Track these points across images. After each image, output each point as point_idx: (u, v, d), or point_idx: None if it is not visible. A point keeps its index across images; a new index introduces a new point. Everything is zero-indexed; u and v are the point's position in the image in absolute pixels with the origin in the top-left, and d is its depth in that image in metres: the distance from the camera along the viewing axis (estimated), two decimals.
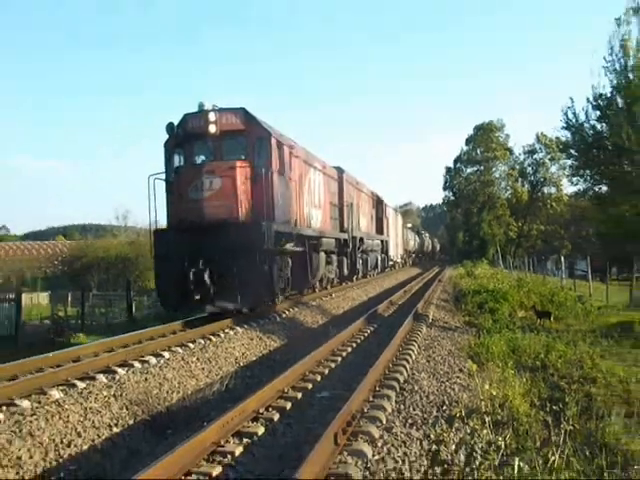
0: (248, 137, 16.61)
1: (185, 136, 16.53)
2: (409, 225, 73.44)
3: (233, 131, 16.55)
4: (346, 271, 27.72)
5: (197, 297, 14.93)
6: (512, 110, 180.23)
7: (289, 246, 17.78)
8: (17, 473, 6.01)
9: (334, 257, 25.17)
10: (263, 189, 15.81)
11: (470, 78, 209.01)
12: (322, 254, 22.18)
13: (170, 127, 16.56)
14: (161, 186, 16.84)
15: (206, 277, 14.73)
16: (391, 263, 47.14)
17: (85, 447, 6.88)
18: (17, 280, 47.74)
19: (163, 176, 16.95)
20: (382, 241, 39.35)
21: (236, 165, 15.98)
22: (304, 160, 20.60)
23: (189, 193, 15.55)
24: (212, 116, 16.13)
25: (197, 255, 14.94)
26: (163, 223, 18.00)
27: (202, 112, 16.27)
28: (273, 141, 16.83)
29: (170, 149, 17.19)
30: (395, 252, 48.45)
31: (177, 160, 17.14)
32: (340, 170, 27.59)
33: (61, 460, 6.49)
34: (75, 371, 9.20)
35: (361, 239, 30.29)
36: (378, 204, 39.04)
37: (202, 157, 17.10)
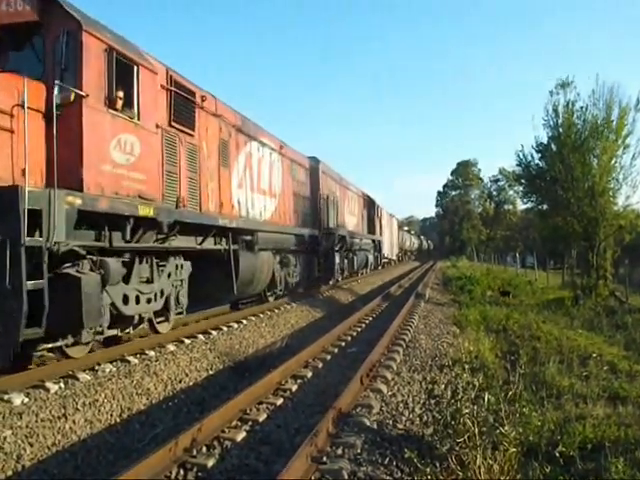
0: (46, 35, 6.57)
1: None
2: (412, 231, 71.20)
3: (18, 25, 6.57)
4: (316, 273, 17.35)
5: None
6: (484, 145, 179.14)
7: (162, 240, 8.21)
8: (147, 399, 6.18)
9: (291, 258, 14.59)
10: (64, 131, 6.21)
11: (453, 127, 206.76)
12: (264, 254, 12.13)
13: None
14: None
15: None
16: (385, 261, 37.27)
17: (191, 383, 7.01)
18: None
19: None
20: (375, 240, 29.84)
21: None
22: (235, 126, 10.86)
23: None
24: None
25: None
26: None
27: None
28: (90, 41, 6.59)
29: None
30: (390, 251, 38.96)
31: None
32: (315, 160, 17.98)
33: (175, 391, 6.62)
34: (184, 332, 9.29)
35: (343, 237, 20.06)
36: (370, 205, 29.55)
37: None
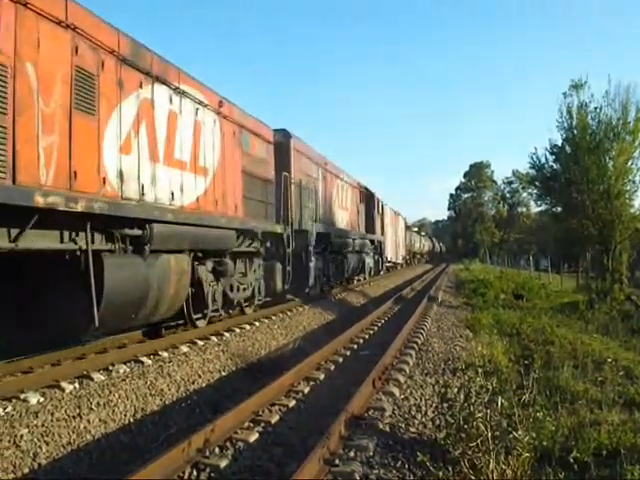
0: None
1: None
2: (423, 233, 67.98)
3: None
4: (279, 284, 12.58)
5: None
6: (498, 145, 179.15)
7: None
8: (161, 399, 6.23)
9: (236, 264, 10.41)
10: None
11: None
12: (167, 259, 7.80)
13: None
14: None
15: None
16: (389, 264, 32.46)
17: (204, 384, 7.04)
18: None
19: None
20: (375, 241, 25.04)
21: None
22: (115, 53, 6.92)
23: None
24: None
25: None
26: None
27: None
28: None
29: None
30: (394, 253, 33.81)
31: None
32: (284, 134, 13.57)
33: (188, 392, 6.66)
34: (197, 334, 9.22)
35: (325, 235, 15.83)
36: (368, 199, 24.67)
37: None
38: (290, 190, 13.12)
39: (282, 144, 13.28)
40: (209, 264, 9.39)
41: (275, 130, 12.91)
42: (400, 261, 38.83)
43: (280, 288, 12.74)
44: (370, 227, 24.55)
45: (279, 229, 12.34)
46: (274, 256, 12.57)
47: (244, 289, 11.04)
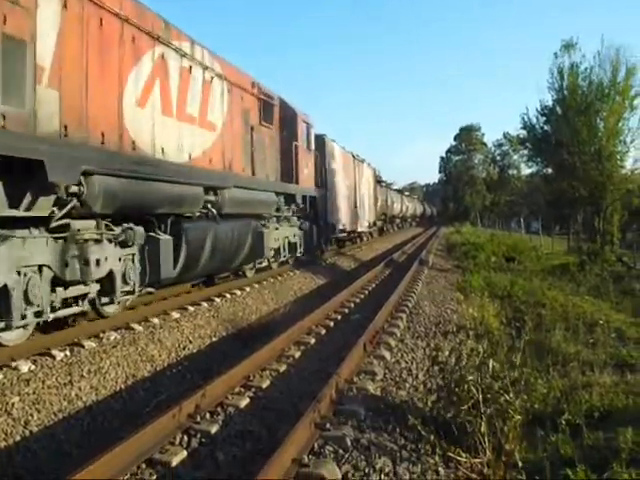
0: None
1: None
2: (407, 194, 62.70)
3: None
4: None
5: None
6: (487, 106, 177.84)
7: None
8: (152, 366, 6.22)
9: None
10: None
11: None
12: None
13: None
14: None
15: None
16: (344, 235, 21.69)
17: (194, 350, 7.04)
18: None
19: None
20: (303, 197, 14.78)
21: None
22: None
23: None
24: None
25: None
26: None
27: None
28: None
29: None
30: (353, 219, 22.58)
31: None
32: None
33: (179, 358, 6.66)
34: (187, 299, 9.26)
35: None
36: (286, 121, 13.88)
37: None
38: None
39: None
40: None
41: None
42: (367, 230, 27.44)
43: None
44: (290, 172, 13.94)
45: None
46: None
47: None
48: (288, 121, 14.08)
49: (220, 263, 10.06)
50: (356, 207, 23.70)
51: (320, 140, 17.84)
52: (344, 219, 20.75)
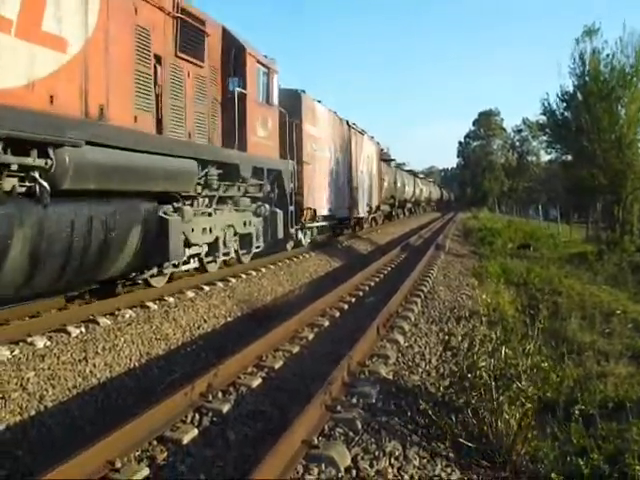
0: None
1: None
2: (421, 176, 53.77)
3: None
4: None
5: None
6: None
7: None
8: (166, 344, 6.25)
9: None
10: None
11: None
12: None
13: None
14: None
15: None
16: (323, 224, 16.41)
17: (209, 329, 7.07)
18: None
19: None
20: (266, 171, 11.01)
21: None
22: None
23: None
24: None
25: None
26: None
27: None
28: None
29: None
30: (346, 202, 18.75)
31: None
32: None
33: (193, 337, 6.69)
34: (203, 279, 9.25)
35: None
36: (236, 62, 9.95)
37: None
38: None
39: None
40: None
41: None
42: (364, 215, 22.50)
43: None
44: (232, 134, 9.81)
45: None
46: None
47: None
48: (233, 61, 10.03)
49: (59, 275, 5.95)
50: (352, 188, 19.54)
51: (294, 96, 13.60)
52: (330, 202, 16.40)
